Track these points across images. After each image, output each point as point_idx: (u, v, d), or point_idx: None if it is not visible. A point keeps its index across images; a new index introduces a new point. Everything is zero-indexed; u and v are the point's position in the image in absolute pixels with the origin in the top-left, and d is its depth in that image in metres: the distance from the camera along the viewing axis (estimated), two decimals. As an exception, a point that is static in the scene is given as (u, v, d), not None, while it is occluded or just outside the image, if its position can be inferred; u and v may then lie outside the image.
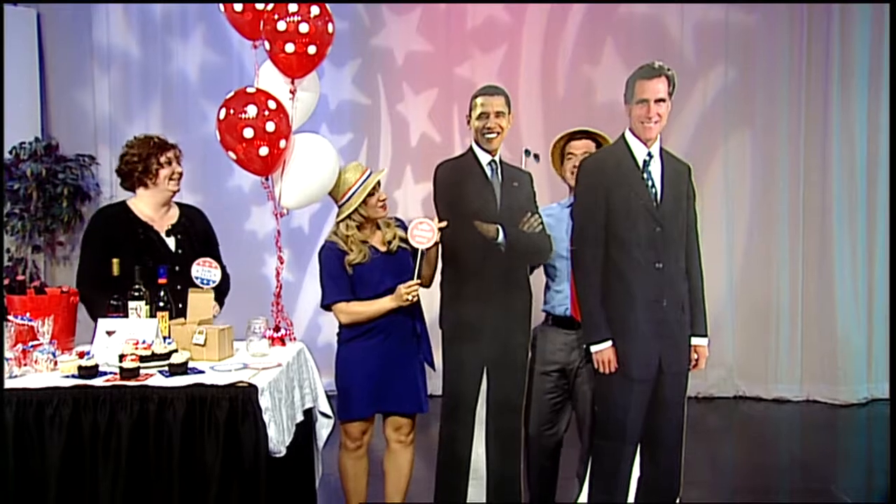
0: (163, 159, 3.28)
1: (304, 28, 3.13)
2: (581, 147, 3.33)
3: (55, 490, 2.39)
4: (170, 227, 3.33)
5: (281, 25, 3.12)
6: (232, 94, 3.18)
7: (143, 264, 3.00)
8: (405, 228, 3.24)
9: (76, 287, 3.18)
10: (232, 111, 3.11)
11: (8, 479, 2.39)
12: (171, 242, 3.30)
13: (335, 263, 3.16)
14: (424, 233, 3.10)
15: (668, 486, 3.06)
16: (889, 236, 5.65)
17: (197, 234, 3.39)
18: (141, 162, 3.26)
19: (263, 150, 3.10)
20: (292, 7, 3.14)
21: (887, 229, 5.71)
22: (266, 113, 3.10)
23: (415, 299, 3.15)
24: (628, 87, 2.98)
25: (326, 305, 3.20)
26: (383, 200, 3.20)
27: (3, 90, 3.17)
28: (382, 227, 3.25)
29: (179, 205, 3.45)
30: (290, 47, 3.14)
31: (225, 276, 3.43)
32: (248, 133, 3.07)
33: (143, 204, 3.32)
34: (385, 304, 3.13)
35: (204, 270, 3.14)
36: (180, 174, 3.36)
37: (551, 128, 3.60)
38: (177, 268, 3.19)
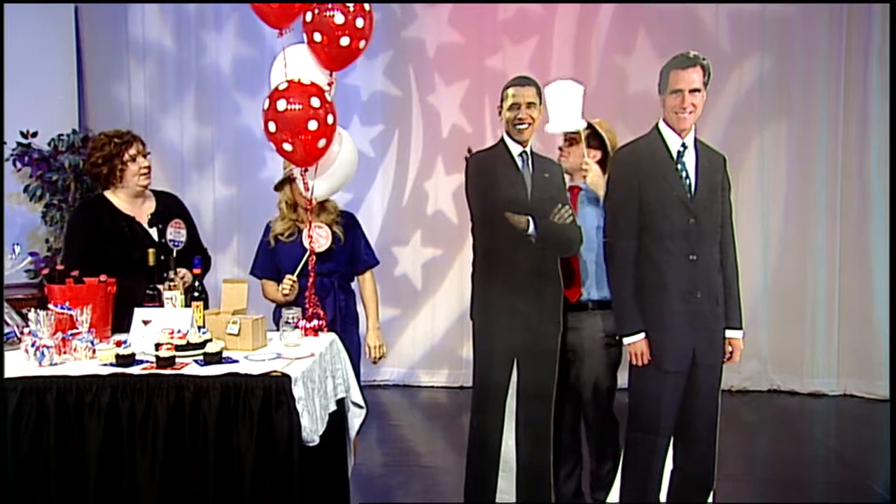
0: (126, 157, 3.29)
1: (360, 23, 3.12)
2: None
3: (94, 474, 2.44)
4: (149, 217, 3.36)
5: (339, 19, 3.09)
6: (286, 85, 3.10)
7: (130, 257, 3.03)
8: (349, 224, 3.43)
9: None
10: (295, 103, 3.03)
11: (50, 463, 2.45)
12: (153, 233, 3.33)
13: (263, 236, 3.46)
14: (320, 237, 3.28)
15: (701, 478, 3.04)
16: (889, 233, 5.48)
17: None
18: (105, 164, 3.29)
19: (322, 142, 3.09)
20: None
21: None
22: (327, 105, 3.09)
23: (286, 296, 3.27)
24: (662, 77, 2.95)
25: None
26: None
27: (3, 86, 3.20)
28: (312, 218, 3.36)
29: (155, 192, 3.47)
30: (345, 41, 3.12)
31: (205, 257, 3.47)
32: (313, 125, 3.03)
33: (119, 199, 3.36)
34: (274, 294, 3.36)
35: (174, 232, 3.20)
36: (148, 168, 3.36)
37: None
38: (162, 257, 3.18)
